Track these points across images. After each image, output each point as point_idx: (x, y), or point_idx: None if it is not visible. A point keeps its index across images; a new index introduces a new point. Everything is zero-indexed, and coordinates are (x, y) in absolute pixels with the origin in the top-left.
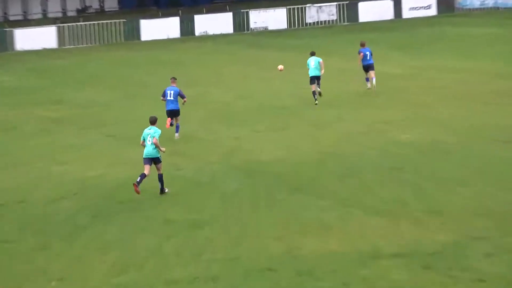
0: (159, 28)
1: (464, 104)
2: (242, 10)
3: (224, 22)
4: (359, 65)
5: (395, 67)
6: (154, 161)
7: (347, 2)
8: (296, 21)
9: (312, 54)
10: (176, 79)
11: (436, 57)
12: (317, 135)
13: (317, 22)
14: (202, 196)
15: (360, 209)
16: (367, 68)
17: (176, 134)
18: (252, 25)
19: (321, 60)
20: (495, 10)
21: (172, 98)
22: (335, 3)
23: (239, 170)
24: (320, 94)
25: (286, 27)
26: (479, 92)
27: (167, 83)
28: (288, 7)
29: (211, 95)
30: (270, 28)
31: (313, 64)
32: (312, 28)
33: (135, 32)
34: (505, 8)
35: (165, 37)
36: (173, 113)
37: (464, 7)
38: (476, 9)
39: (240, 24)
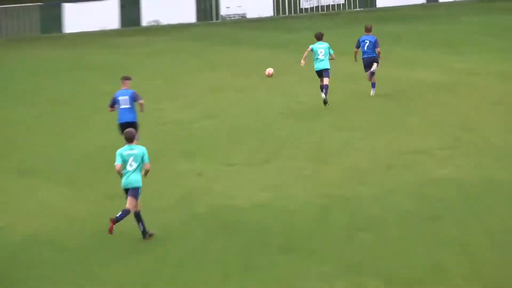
0: (89, 16)
1: None
2: None
3: (183, 6)
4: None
5: (428, 72)
6: (132, 193)
7: None
8: (286, 6)
9: (319, 37)
10: (129, 79)
11: (486, 58)
12: (317, 170)
13: (317, 7)
14: (148, 261)
15: (378, 278)
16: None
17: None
18: (223, 12)
19: (332, 52)
20: None
21: (127, 106)
22: None
23: (204, 220)
24: (325, 102)
25: (273, 14)
26: None
27: (97, 97)
28: None
29: (164, 113)
30: (249, 15)
31: (322, 53)
32: (309, 16)
33: (56, 21)
34: None
35: (98, 29)
36: (129, 126)
37: None
38: None
39: (207, 9)
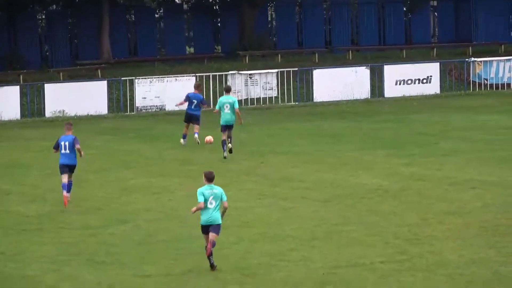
0: None
1: (493, 241)
2: (123, 78)
3: (93, 96)
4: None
5: (370, 176)
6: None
7: (296, 69)
8: (212, 97)
9: (227, 90)
10: (71, 125)
11: (436, 162)
12: (243, 285)
13: (247, 100)
14: None
15: None
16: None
17: (67, 195)
18: (138, 103)
19: (237, 107)
20: None
21: (67, 151)
22: (276, 70)
23: None
24: (230, 150)
25: None
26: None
27: None
28: (198, 74)
29: (67, 217)
30: (168, 107)
31: (228, 107)
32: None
33: None
34: None
35: None
36: (68, 168)
37: (485, 82)
38: (504, 84)
39: (120, 100)
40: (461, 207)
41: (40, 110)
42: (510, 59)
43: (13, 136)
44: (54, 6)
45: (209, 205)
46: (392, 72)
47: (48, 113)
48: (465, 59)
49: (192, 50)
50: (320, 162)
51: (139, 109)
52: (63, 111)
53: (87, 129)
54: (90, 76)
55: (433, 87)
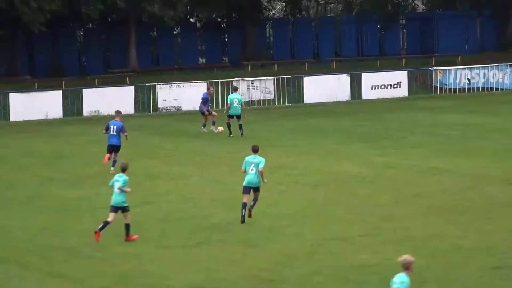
0: (34, 105)
1: (452, 219)
2: (147, 84)
3: (122, 98)
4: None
5: (351, 165)
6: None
7: (289, 76)
8: (220, 100)
9: (235, 89)
10: (120, 112)
11: (406, 153)
12: (246, 254)
13: (249, 102)
14: None
15: None
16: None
17: (112, 168)
18: (160, 104)
19: (242, 102)
20: (484, 91)
21: (114, 133)
22: (273, 77)
23: None
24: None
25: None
26: (471, 204)
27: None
28: (208, 80)
29: (102, 198)
30: (184, 108)
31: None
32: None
33: (2, 109)
34: (499, 89)
35: (42, 117)
36: (114, 148)
37: (445, 86)
38: (460, 89)
39: (145, 102)
40: (426, 190)
41: (79, 110)
42: (465, 68)
43: (57, 132)
44: (90, 24)
45: (250, 171)
46: (369, 79)
47: (86, 112)
48: (429, 67)
49: (204, 60)
50: (309, 153)
51: (160, 110)
52: (98, 111)
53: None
54: (120, 82)
55: (402, 91)
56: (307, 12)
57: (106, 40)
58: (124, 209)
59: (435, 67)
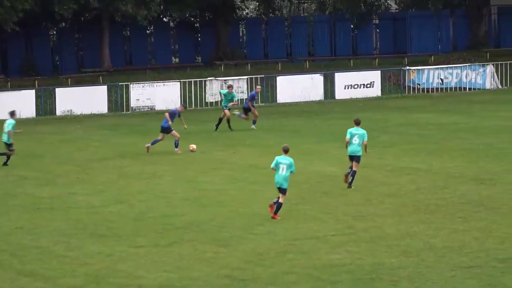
0: (7, 104)
1: (424, 218)
2: (120, 83)
3: (95, 98)
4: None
5: (324, 164)
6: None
7: (263, 75)
8: (193, 99)
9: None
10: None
11: (378, 153)
12: (218, 253)
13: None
14: None
15: None
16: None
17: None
18: (133, 103)
19: (236, 99)
20: (457, 90)
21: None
22: (246, 77)
23: None
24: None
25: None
26: (444, 203)
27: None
28: (182, 80)
29: (74, 198)
30: (157, 107)
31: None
32: (214, 109)
33: None
34: (471, 88)
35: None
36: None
37: (418, 86)
38: (433, 89)
39: (118, 101)
40: (398, 189)
41: (51, 109)
42: (438, 68)
43: (30, 131)
44: (63, 24)
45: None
46: (342, 78)
47: (59, 112)
48: (402, 67)
49: (177, 60)
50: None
51: (133, 109)
52: (71, 110)
53: (90, 125)
54: (93, 82)
55: (375, 91)
56: (280, 12)
57: (79, 39)
58: None
59: (408, 67)
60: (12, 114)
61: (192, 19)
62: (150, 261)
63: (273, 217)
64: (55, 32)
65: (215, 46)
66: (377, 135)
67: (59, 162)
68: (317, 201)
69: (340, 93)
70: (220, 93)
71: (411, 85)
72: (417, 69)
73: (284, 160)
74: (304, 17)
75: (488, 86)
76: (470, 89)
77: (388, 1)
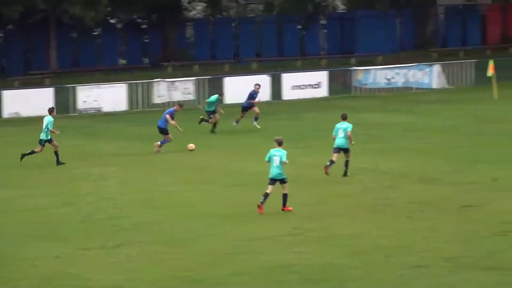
0: None
1: (372, 218)
2: (67, 85)
3: (42, 100)
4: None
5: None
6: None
7: (210, 77)
8: (140, 101)
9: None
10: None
11: (328, 152)
12: (168, 254)
13: (169, 103)
14: None
15: None
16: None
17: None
18: (80, 105)
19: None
20: (404, 90)
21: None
22: (193, 78)
23: None
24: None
25: (127, 108)
26: (392, 203)
27: None
28: (129, 82)
29: (22, 200)
30: (105, 109)
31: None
32: (161, 110)
33: None
34: (419, 88)
35: None
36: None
37: (365, 86)
38: (381, 89)
39: (64, 103)
40: (347, 190)
41: None
42: (385, 68)
43: None
44: (10, 26)
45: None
46: (289, 79)
47: (5, 114)
48: (349, 67)
49: (124, 62)
50: (232, 153)
51: (80, 111)
52: (18, 113)
53: (38, 128)
54: (40, 84)
55: (323, 91)
56: (227, 13)
57: (27, 41)
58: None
59: (355, 67)
60: (51, 111)
61: (140, 20)
62: (98, 263)
63: (284, 209)
64: (2, 34)
65: (162, 48)
66: (325, 136)
67: (5, 165)
68: (267, 202)
69: (288, 94)
70: (208, 101)
71: (358, 85)
72: (364, 69)
73: (277, 152)
74: (252, 18)
75: (435, 85)
76: (417, 89)
77: (335, 1)
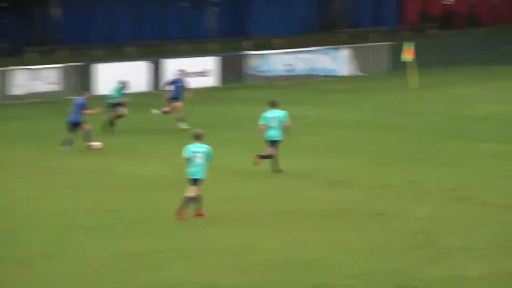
0: None
1: (265, 229)
2: None
3: None
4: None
5: (157, 166)
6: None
7: (79, 64)
8: None
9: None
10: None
11: (218, 151)
12: (27, 275)
13: (28, 94)
14: None
15: None
16: None
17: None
18: None
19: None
20: (307, 78)
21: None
22: (60, 65)
23: None
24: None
25: None
26: (293, 210)
27: None
28: None
29: None
30: None
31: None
32: (22, 104)
33: None
34: (325, 76)
35: None
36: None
37: (261, 74)
38: (280, 77)
39: None
40: (236, 195)
41: None
42: (285, 52)
43: None
44: None
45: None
46: (173, 66)
47: None
48: (243, 53)
49: None
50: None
51: None
52: None
53: None
54: None
55: (212, 80)
56: None
57: None
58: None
59: (249, 52)
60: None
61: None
62: None
63: (198, 215)
64: None
65: (25, 29)
66: (214, 132)
67: None
68: (135, 211)
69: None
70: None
71: (253, 73)
72: (259, 54)
73: (199, 148)
74: None
75: (343, 73)
76: (321, 76)
77: None
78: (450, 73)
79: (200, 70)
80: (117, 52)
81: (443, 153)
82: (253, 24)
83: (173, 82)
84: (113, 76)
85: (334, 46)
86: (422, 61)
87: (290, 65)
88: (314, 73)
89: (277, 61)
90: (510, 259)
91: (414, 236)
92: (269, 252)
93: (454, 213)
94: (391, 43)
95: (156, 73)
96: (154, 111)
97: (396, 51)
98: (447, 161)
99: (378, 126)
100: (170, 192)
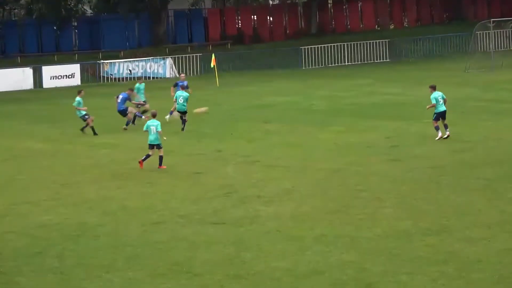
0: None
1: (119, 184)
2: None
3: None
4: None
5: (33, 141)
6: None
7: None
8: None
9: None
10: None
11: (74, 135)
12: None
13: None
14: None
15: None
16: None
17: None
18: None
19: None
20: (144, 79)
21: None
22: None
23: None
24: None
25: None
26: (134, 172)
27: None
28: None
29: None
30: None
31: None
32: None
33: None
34: (155, 77)
35: None
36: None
37: (111, 76)
38: (124, 78)
39: None
40: (98, 161)
41: None
42: (127, 61)
43: None
44: None
45: (152, 132)
46: (48, 71)
47: None
48: (97, 61)
49: None
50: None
51: None
52: None
53: None
54: None
55: (76, 81)
56: None
57: None
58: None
59: (102, 61)
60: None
61: None
62: None
63: (160, 167)
64: None
65: None
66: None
67: None
68: (28, 172)
69: (47, 83)
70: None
71: (106, 75)
72: (109, 62)
73: (153, 123)
74: (15, 21)
75: (168, 75)
76: (154, 78)
77: (84, 7)
78: (242, 76)
79: (67, 73)
80: (7, 61)
81: (239, 130)
82: (104, 41)
83: (176, 85)
84: (4, 78)
85: (161, 57)
86: (223, 67)
87: (131, 70)
88: (147, 75)
89: (122, 67)
90: (290, 203)
91: (222, 188)
92: (120, 200)
93: (249, 172)
94: (200, 54)
95: (36, 76)
96: (167, 117)
97: (204, 60)
98: (243, 136)
99: (193, 115)
100: (44, 159)
